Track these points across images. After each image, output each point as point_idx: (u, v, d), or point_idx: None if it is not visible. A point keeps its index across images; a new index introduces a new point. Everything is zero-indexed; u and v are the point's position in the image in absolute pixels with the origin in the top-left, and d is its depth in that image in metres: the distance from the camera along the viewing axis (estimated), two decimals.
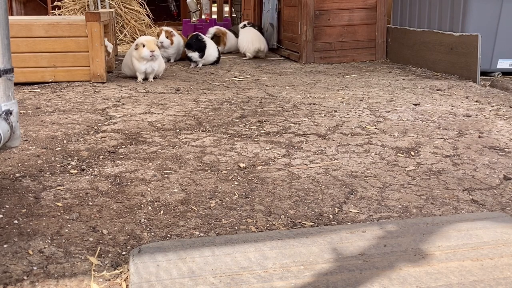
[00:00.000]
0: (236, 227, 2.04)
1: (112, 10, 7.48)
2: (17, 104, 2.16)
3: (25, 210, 2.14)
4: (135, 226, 2.03)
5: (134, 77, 5.42)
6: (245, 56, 7.50)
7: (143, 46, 5.09)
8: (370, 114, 3.88)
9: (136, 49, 5.14)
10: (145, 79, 5.33)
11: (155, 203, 2.25)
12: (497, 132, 3.36)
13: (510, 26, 5.43)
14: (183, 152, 2.94)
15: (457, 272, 1.61)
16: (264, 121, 3.63)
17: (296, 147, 3.04)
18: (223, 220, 2.10)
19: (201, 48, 6.52)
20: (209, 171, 2.65)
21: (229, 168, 2.69)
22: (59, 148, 2.97)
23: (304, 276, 1.58)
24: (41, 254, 1.78)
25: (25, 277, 1.64)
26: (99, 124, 3.51)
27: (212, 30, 7.96)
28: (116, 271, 1.70)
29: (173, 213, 2.16)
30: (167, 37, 6.82)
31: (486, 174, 2.64)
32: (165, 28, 7.09)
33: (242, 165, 2.73)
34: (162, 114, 3.83)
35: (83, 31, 4.97)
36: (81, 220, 2.06)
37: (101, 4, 7.79)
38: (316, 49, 7.03)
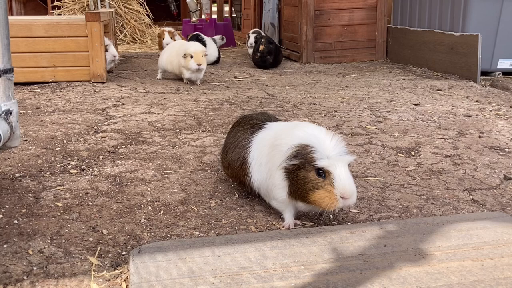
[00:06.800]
0: (236, 227, 2.03)
1: (112, 10, 7.48)
2: (17, 104, 2.16)
3: (25, 210, 2.14)
4: (135, 226, 2.02)
5: (135, 77, 5.42)
6: None
7: (191, 57, 4.98)
8: (370, 114, 3.88)
9: (184, 57, 5.03)
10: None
11: (155, 203, 2.24)
12: (498, 132, 3.36)
13: (510, 26, 5.43)
14: (183, 152, 2.93)
15: (457, 272, 1.61)
16: None
17: None
18: (223, 220, 2.10)
19: None
20: (209, 171, 2.65)
21: None
22: (59, 148, 2.97)
23: (304, 276, 1.57)
24: (41, 254, 1.78)
25: (25, 277, 1.64)
26: (99, 124, 3.51)
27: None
28: (116, 271, 1.69)
29: (173, 213, 2.16)
30: (171, 38, 6.88)
31: (486, 174, 2.64)
32: (167, 28, 7.13)
33: None
34: (162, 114, 3.83)
35: (83, 31, 4.97)
36: (81, 220, 2.06)
37: (101, 4, 7.78)
38: (316, 49, 7.03)
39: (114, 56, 5.52)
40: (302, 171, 1.89)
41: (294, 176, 1.92)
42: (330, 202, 1.86)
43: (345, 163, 1.89)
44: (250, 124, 2.31)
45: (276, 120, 2.38)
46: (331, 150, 1.88)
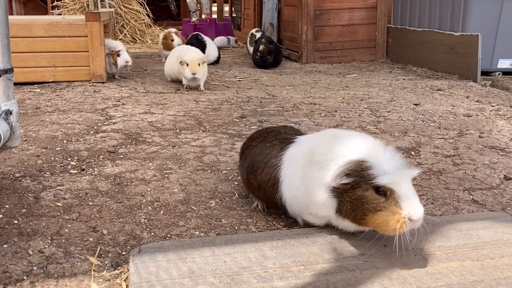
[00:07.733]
0: (236, 227, 2.03)
1: (112, 10, 7.48)
2: (17, 104, 2.16)
3: (25, 210, 2.14)
4: (135, 226, 2.02)
5: (135, 77, 5.41)
6: None
7: (187, 65, 4.76)
8: (370, 114, 3.88)
9: (181, 64, 4.85)
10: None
11: (155, 203, 2.24)
12: (498, 132, 3.36)
13: (510, 26, 5.43)
14: (183, 152, 2.93)
15: (457, 272, 1.61)
16: (264, 121, 3.63)
17: None
18: (223, 220, 2.10)
19: (201, 48, 6.51)
20: (209, 171, 2.65)
21: (229, 168, 2.68)
22: (59, 148, 2.97)
23: (304, 276, 1.57)
24: (41, 254, 1.78)
25: (25, 277, 1.64)
26: (99, 124, 3.51)
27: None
28: (116, 271, 1.69)
29: (173, 213, 2.15)
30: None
31: (486, 174, 2.63)
32: (173, 29, 7.08)
33: None
34: (162, 114, 3.83)
35: (83, 31, 4.97)
36: (81, 220, 2.06)
37: (101, 4, 7.79)
38: (316, 49, 7.03)
39: (127, 62, 5.25)
40: (358, 191, 1.63)
41: (347, 196, 1.67)
42: (399, 226, 1.56)
43: (408, 178, 1.62)
44: (279, 139, 2.05)
45: (301, 133, 2.15)
46: (387, 164, 1.62)
